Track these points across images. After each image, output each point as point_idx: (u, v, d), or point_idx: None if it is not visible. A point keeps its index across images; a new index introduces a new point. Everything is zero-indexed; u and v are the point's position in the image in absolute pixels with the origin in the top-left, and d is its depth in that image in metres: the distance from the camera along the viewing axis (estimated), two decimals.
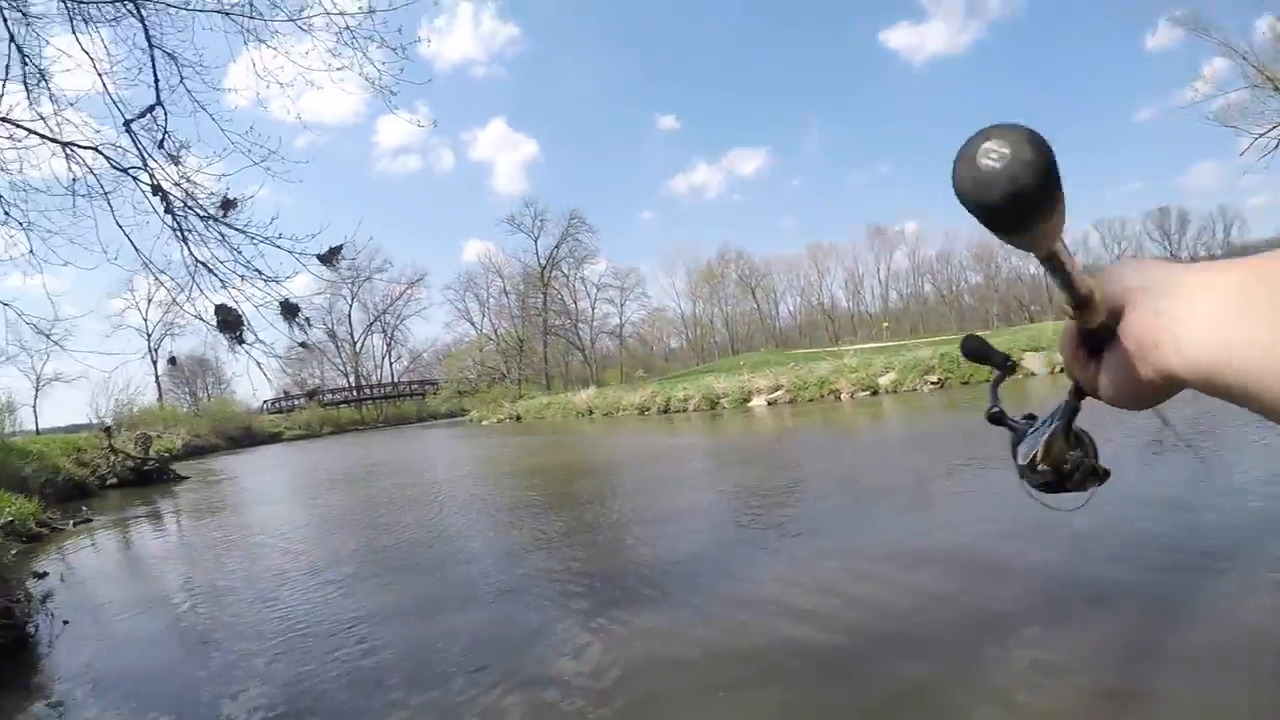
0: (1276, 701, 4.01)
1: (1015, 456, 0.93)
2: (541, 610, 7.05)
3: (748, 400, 31.70)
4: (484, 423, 54.20)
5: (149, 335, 68.90)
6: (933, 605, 5.87)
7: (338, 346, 79.21)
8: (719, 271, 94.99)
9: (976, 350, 1.07)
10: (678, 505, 11.38)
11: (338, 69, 10.76)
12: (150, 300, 67.32)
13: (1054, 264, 0.74)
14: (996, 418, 1.01)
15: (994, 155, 0.64)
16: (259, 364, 11.64)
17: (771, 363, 40.98)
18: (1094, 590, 5.75)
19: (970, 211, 0.66)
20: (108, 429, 30.41)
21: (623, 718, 4.67)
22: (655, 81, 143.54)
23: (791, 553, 7.91)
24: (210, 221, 11.10)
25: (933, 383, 27.71)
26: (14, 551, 11.24)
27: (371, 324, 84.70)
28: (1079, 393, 0.87)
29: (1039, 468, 0.90)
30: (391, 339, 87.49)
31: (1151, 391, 0.74)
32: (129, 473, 27.10)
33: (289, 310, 11.57)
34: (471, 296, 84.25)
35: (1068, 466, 0.90)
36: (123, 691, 6.48)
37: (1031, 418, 0.97)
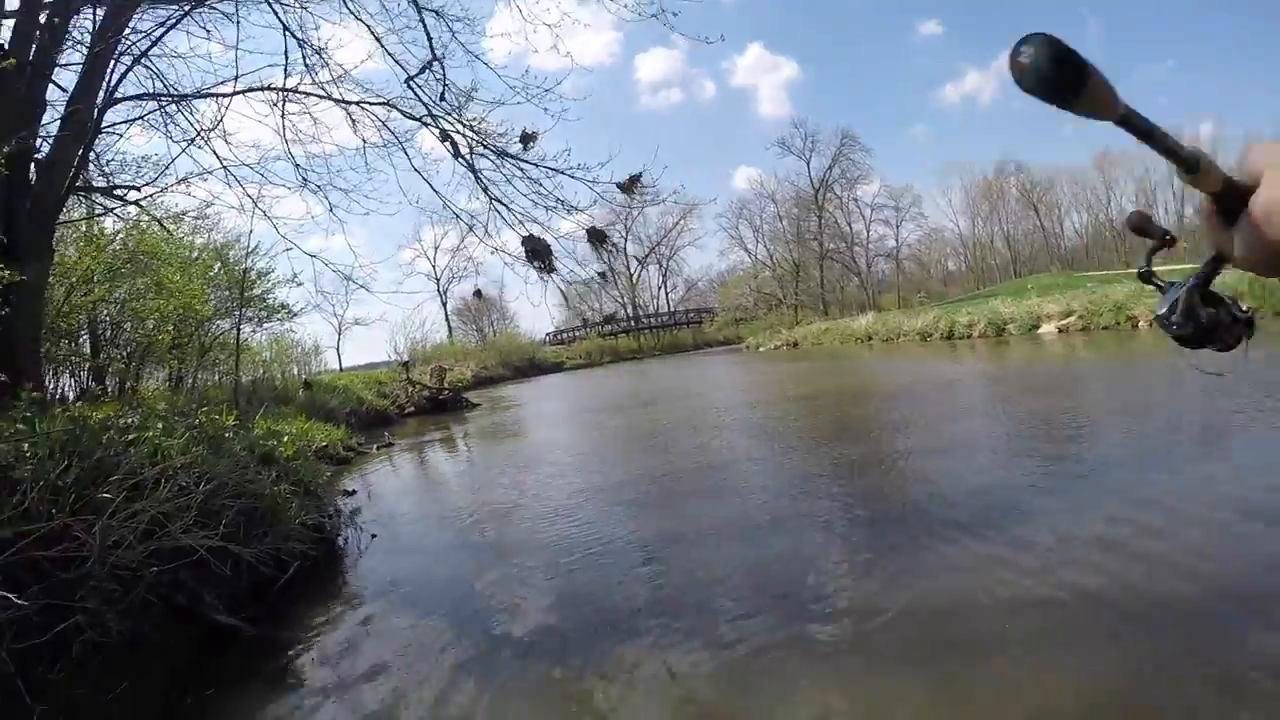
0: None
1: (1156, 309, 1.04)
2: (819, 543, 6.95)
3: (1036, 326, 29.88)
4: (760, 349, 54.07)
5: (437, 279, 75.56)
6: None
7: (614, 278, 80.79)
8: (997, 186, 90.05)
9: (1139, 224, 1.15)
10: (963, 437, 10.90)
11: None
12: (437, 247, 74.63)
13: (1135, 128, 0.91)
14: (1145, 276, 1.12)
15: (1024, 55, 0.86)
16: (562, 291, 12.12)
17: (1060, 285, 38.70)
18: None
19: (1031, 95, 0.87)
20: (405, 364, 32.54)
21: (899, 665, 4.47)
22: None
23: (1091, 497, 7.24)
24: (504, 159, 11.52)
25: (1242, 310, 24.80)
26: (327, 473, 12.00)
27: (646, 256, 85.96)
28: (1217, 258, 0.97)
29: (1173, 319, 1.01)
30: (666, 269, 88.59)
31: (1278, 255, 0.83)
32: (425, 402, 28.87)
33: (596, 236, 11.89)
34: (744, 223, 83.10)
35: (1204, 321, 1.01)
36: (416, 599, 6.90)
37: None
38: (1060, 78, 0.86)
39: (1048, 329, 29.23)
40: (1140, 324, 25.75)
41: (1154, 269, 1.11)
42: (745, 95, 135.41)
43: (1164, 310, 1.01)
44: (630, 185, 11.19)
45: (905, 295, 74.03)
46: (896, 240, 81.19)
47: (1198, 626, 4.42)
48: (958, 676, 4.20)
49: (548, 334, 77.97)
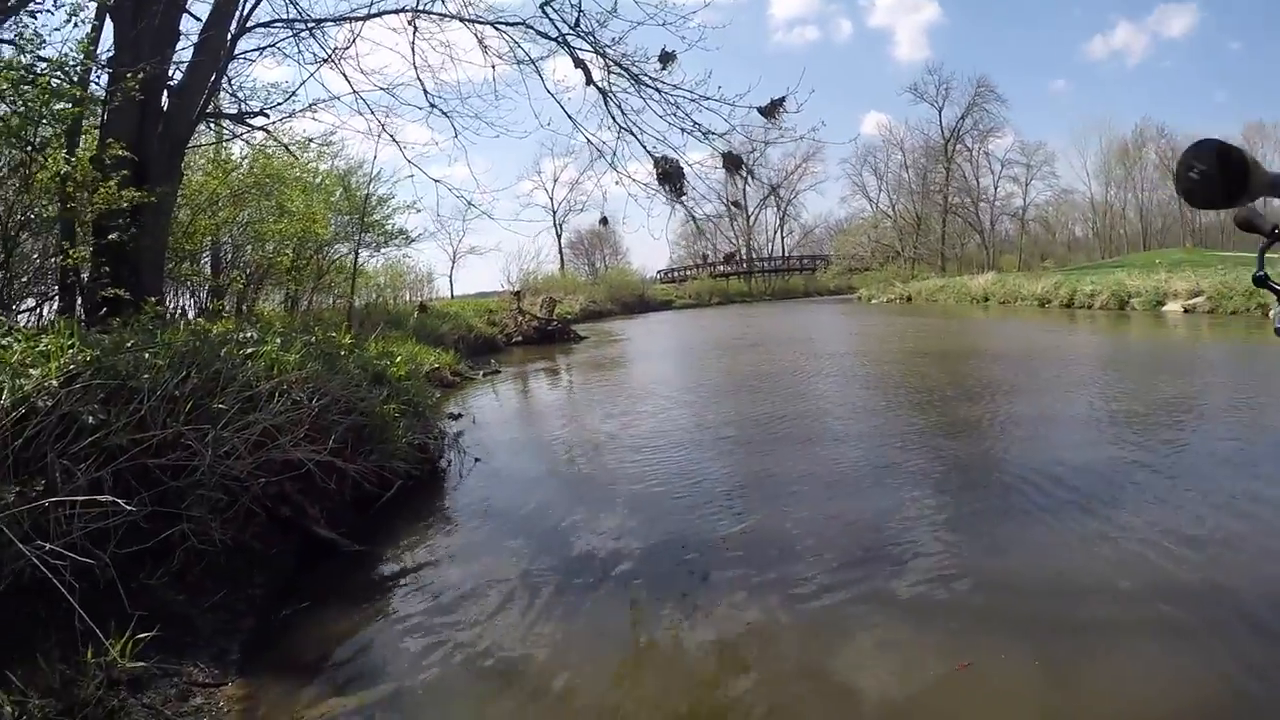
0: None
1: (1275, 319, 1.00)
2: (919, 502, 6.83)
3: (1161, 304, 28.58)
4: (872, 301, 53.33)
5: (554, 211, 75.37)
6: None
7: (732, 220, 79.99)
8: (1135, 151, 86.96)
9: (1246, 220, 1.12)
10: (1077, 410, 10.56)
11: None
12: (556, 180, 74.42)
13: (1246, 225, 0.99)
14: (1261, 280, 1.10)
15: (1194, 170, 0.85)
16: (693, 217, 12.14)
17: (1191, 263, 37.28)
18: None
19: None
20: (517, 293, 32.79)
21: (994, 637, 4.36)
22: None
23: (1212, 489, 6.74)
24: (639, 84, 11.46)
25: None
26: (435, 395, 12.20)
27: (766, 197, 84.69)
28: None
29: None
30: (784, 213, 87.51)
31: None
32: (533, 332, 29.26)
33: (732, 162, 11.84)
34: (869, 170, 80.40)
35: None
36: (512, 525, 7.04)
37: None
38: (1229, 190, 0.88)
39: (1172, 307, 28.12)
40: (1271, 311, 24.57)
41: (1267, 272, 1.06)
42: (882, 36, 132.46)
43: None
44: (772, 110, 11.13)
45: (1027, 258, 71.98)
46: (1024, 200, 78.37)
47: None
48: (1059, 657, 4.07)
49: (658, 272, 78.19)
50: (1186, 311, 27.18)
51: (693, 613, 4.92)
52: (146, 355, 5.59)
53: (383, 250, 24.68)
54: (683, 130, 11.42)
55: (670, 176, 11.21)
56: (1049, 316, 30.18)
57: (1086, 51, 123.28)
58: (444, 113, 12.56)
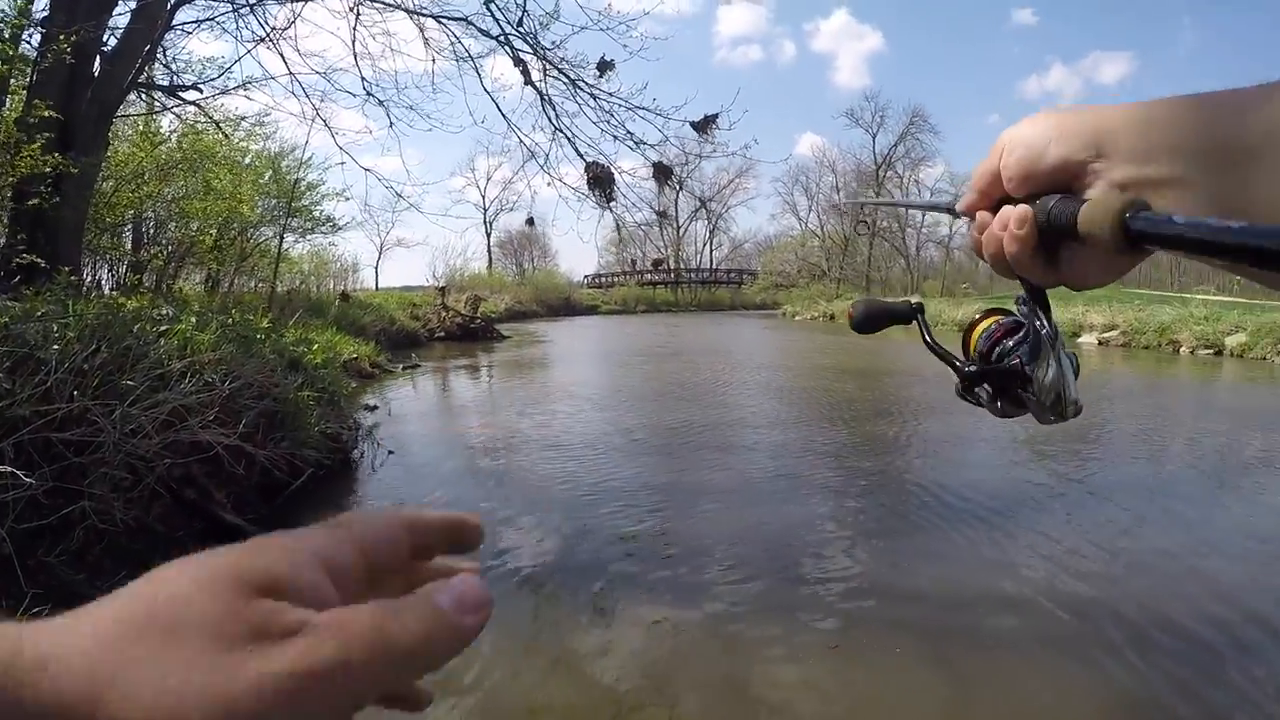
0: None
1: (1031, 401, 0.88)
2: (829, 514, 6.99)
3: (1077, 335, 29.64)
4: (796, 318, 53.93)
5: (485, 209, 76.80)
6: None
7: (662, 229, 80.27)
8: None
9: (874, 315, 1.08)
10: (988, 432, 10.85)
11: None
12: (489, 178, 76.17)
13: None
14: (973, 377, 0.92)
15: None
16: (617, 225, 12.14)
17: (1109, 298, 38.28)
18: None
19: None
20: (442, 288, 32.55)
21: (896, 648, 4.44)
22: None
23: (1112, 509, 7.11)
24: (577, 88, 11.46)
25: None
26: (351, 385, 12.10)
27: (697, 210, 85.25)
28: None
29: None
30: (715, 226, 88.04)
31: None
32: (456, 328, 29.12)
33: (662, 172, 11.85)
34: (800, 190, 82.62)
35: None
36: None
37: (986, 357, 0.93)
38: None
39: (1088, 339, 28.93)
40: (1182, 348, 25.48)
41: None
42: (824, 61, 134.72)
43: (1050, 401, 0.87)
44: (705, 125, 11.20)
45: (951, 284, 73.40)
46: (950, 228, 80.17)
47: (1208, 650, 4.40)
48: (958, 667, 4.22)
49: (586, 276, 78.67)
50: (1101, 343, 28.04)
51: (596, 609, 4.98)
52: (56, 326, 5.48)
53: (309, 236, 24.44)
54: (615, 138, 11.42)
55: (600, 182, 11.25)
56: None
57: (1022, 89, 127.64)
58: (380, 101, 12.47)
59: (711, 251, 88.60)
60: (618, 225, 11.90)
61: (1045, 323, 0.85)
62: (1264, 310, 29.94)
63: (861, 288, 68.85)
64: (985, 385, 0.92)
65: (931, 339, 1.02)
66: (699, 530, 6.46)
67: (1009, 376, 0.88)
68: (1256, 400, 15.47)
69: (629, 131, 11.42)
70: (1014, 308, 0.91)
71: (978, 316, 0.97)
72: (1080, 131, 0.72)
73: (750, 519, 6.76)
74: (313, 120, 12.57)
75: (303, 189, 20.73)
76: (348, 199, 25.09)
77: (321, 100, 12.40)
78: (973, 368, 0.91)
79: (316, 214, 22.38)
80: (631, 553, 5.94)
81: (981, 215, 0.82)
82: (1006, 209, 0.77)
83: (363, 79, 12.35)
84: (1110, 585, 5.30)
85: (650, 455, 9.38)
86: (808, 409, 13.34)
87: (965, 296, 52.73)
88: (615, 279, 75.43)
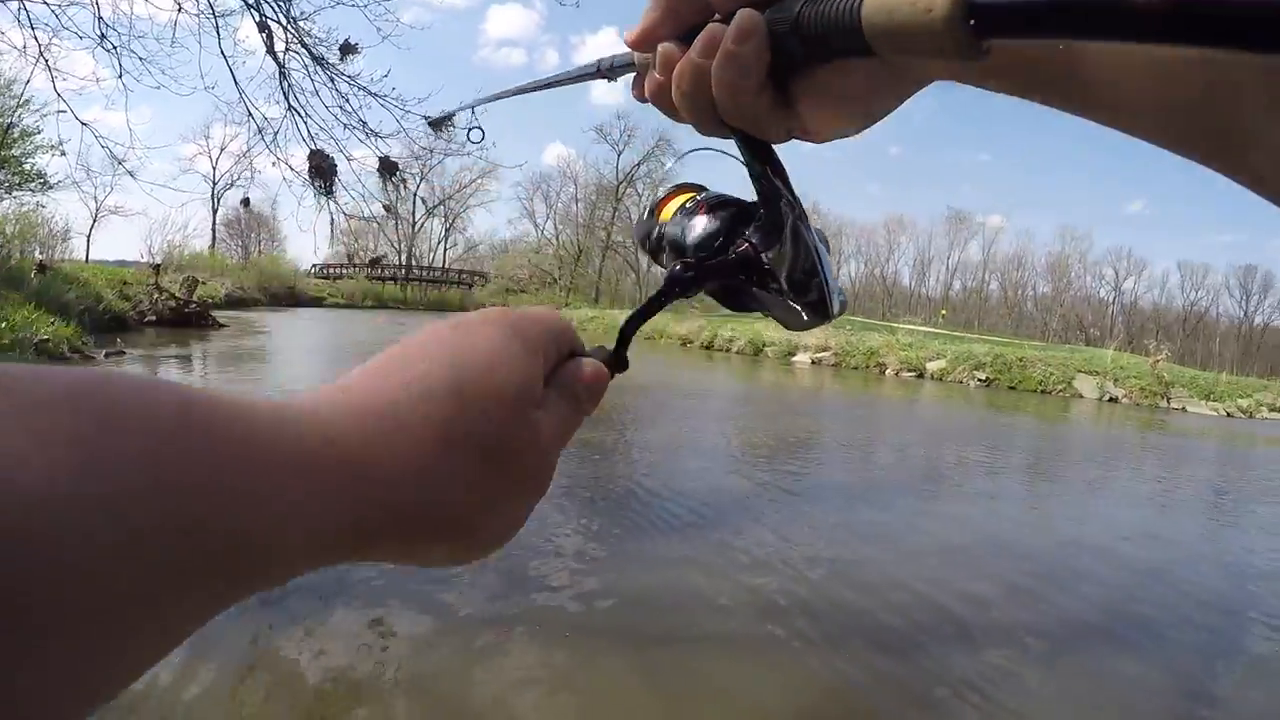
0: None
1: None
2: (550, 524, 6.85)
3: (792, 354, 31.40)
4: None
5: (214, 183, 71.95)
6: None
7: (398, 223, 78.69)
8: None
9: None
10: (705, 441, 11.25)
11: None
12: (223, 149, 70.29)
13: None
14: (687, 282, 0.68)
15: None
16: (332, 220, 11.50)
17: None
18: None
19: None
20: (156, 267, 30.37)
21: (614, 654, 4.49)
22: None
23: (815, 514, 7.71)
24: (318, 66, 10.87)
25: (980, 379, 27.46)
26: None
27: (435, 207, 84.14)
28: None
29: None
30: (451, 225, 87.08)
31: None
32: (169, 312, 27.12)
33: (387, 167, 11.33)
34: (540, 198, 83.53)
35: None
36: None
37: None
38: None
39: (802, 358, 30.56)
40: (888, 370, 27.52)
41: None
42: None
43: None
44: (440, 123, 10.74)
45: (679, 302, 75.55)
46: None
47: (892, 642, 4.85)
48: (666, 673, 4.29)
49: (314, 266, 75.49)
50: (814, 363, 29.67)
51: (302, 625, 4.69)
52: None
53: (14, 192, 22.37)
54: (345, 126, 10.93)
55: (321, 172, 10.73)
56: (689, 356, 32.00)
57: None
58: (113, 46, 11.42)
59: (445, 250, 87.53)
60: (331, 219, 11.28)
61: (782, 189, 0.63)
62: (962, 341, 33.28)
63: (591, 298, 69.87)
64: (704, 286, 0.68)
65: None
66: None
67: (741, 268, 0.66)
68: (952, 418, 16.71)
69: (362, 121, 10.95)
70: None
71: (662, 196, 0.77)
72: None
73: None
74: (37, 59, 11.36)
75: (15, 135, 18.86)
76: (63, 154, 23.05)
77: (53, 36, 11.18)
78: (686, 268, 0.68)
79: (27, 167, 20.41)
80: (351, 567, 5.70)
81: (665, 49, 0.61)
82: (714, 26, 0.56)
83: (99, 18, 11.23)
84: (809, 586, 5.63)
85: None
86: None
87: (691, 312, 54.17)
88: (344, 271, 73.20)
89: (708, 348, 35.18)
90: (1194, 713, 4.54)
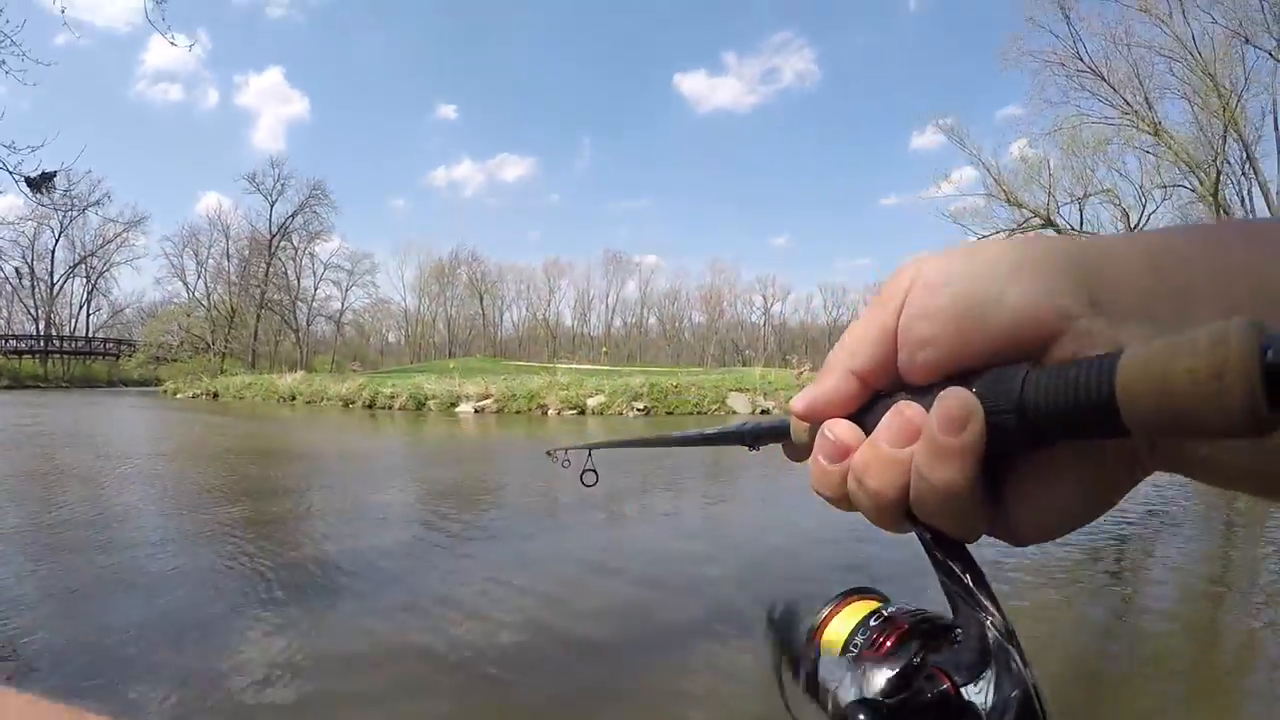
0: None
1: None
2: (216, 601, 6.71)
3: (455, 405, 31.82)
4: (178, 396, 51.43)
5: None
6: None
7: (34, 285, 72.97)
8: (451, 270, 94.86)
9: None
10: (368, 502, 11.28)
11: None
12: None
13: None
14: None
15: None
16: None
17: (486, 370, 41.40)
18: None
19: None
20: None
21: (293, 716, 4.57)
22: (449, 66, 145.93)
23: (476, 561, 8.04)
24: None
25: (639, 409, 29.11)
26: None
27: (76, 265, 77.93)
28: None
29: None
30: (94, 286, 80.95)
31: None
32: None
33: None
34: (190, 253, 77.71)
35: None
36: None
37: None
38: None
39: (465, 408, 30.92)
40: (550, 410, 28.48)
41: None
42: (246, 118, 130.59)
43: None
44: (41, 182, 9.85)
45: (341, 359, 73.91)
46: (343, 303, 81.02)
47: (557, 663, 5.23)
48: None
49: None
50: (477, 411, 30.13)
51: None
52: None
53: None
54: None
55: None
56: (351, 416, 31.44)
57: (431, 177, 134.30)
58: None
59: (89, 316, 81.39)
60: None
61: (984, 601, 0.47)
62: (619, 375, 34.81)
63: (247, 362, 67.14)
64: None
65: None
66: (77, 632, 5.93)
67: (936, 712, 0.46)
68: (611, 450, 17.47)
69: None
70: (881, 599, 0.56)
71: (825, 612, 0.56)
72: (1062, 266, 0.45)
73: (147, 614, 6.34)
74: None
75: None
76: None
77: None
78: (863, 702, 0.48)
79: None
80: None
81: (839, 433, 0.52)
82: (904, 405, 0.48)
83: None
84: (470, 624, 5.96)
85: (15, 560, 8.44)
86: (198, 496, 12.70)
87: (352, 373, 53.29)
88: None
89: (370, 406, 34.88)
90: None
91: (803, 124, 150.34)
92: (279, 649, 5.61)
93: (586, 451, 1.28)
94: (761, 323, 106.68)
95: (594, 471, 1.25)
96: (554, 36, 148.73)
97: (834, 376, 0.52)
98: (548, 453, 1.39)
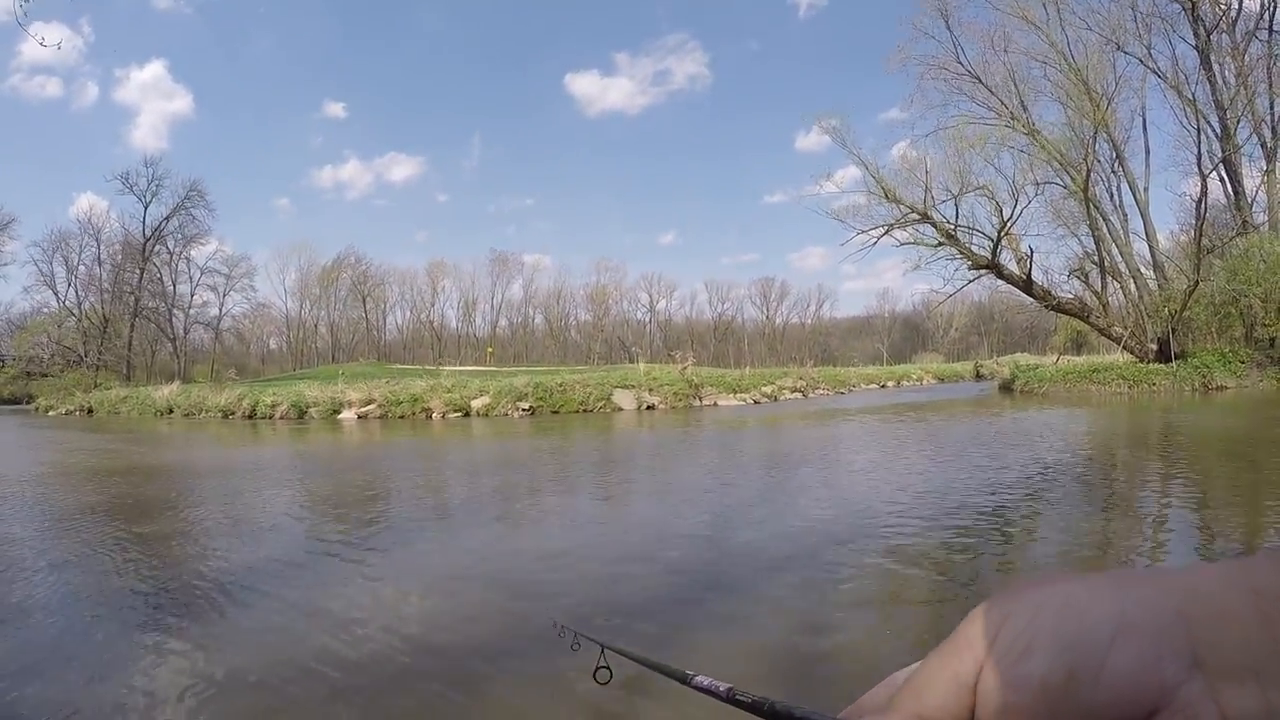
0: None
1: None
2: (95, 628, 6.46)
3: (338, 411, 31.61)
4: (50, 413, 49.83)
5: None
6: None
7: None
8: (334, 274, 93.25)
9: None
10: (242, 516, 11.10)
11: None
12: None
13: None
14: None
15: None
16: None
17: (369, 375, 41.15)
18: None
19: None
20: None
21: None
22: (338, 62, 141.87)
23: (358, 570, 7.83)
24: None
25: (524, 409, 29.19)
26: None
27: None
28: None
29: None
30: None
31: None
32: None
33: None
34: (61, 260, 74.53)
35: None
36: None
37: None
38: None
39: (348, 414, 30.75)
40: (434, 414, 28.42)
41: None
42: (126, 114, 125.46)
43: None
44: None
45: (220, 368, 71.82)
46: (220, 309, 78.61)
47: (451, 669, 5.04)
48: None
49: None
50: (361, 417, 30.02)
51: None
52: None
53: None
54: None
55: None
56: (232, 428, 30.84)
57: (316, 177, 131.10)
58: None
59: None
60: None
61: None
62: (502, 376, 34.89)
63: (123, 374, 65.03)
64: None
65: None
66: None
67: None
68: (497, 449, 17.55)
69: None
70: None
71: None
72: (1169, 629, 0.42)
73: (15, 643, 6.05)
74: None
75: None
76: None
77: None
78: None
79: None
80: None
81: None
82: None
83: None
84: (378, 633, 5.78)
85: None
86: (66, 519, 12.33)
87: (230, 382, 52.02)
88: None
89: (250, 417, 34.33)
90: None
91: (692, 125, 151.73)
92: (170, 673, 5.49)
93: (600, 649, 1.29)
94: (648, 320, 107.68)
95: (608, 669, 1.25)
96: (447, 34, 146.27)
97: (898, 718, 0.47)
98: (555, 625, 1.35)
